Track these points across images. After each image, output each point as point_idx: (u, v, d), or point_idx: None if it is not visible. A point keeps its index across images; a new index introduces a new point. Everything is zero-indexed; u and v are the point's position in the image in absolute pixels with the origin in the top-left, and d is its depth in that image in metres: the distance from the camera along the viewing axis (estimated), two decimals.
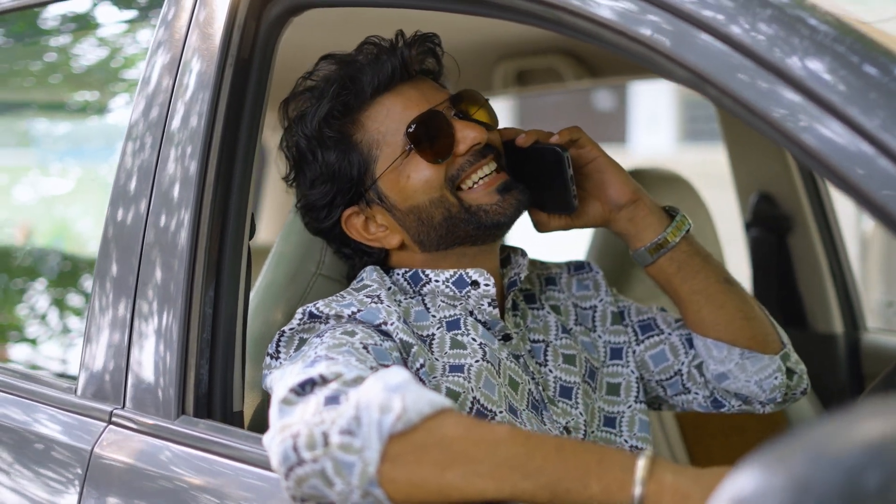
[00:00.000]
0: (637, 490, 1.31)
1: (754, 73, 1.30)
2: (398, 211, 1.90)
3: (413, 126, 1.84)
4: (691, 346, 2.02)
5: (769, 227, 3.29)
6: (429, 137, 1.85)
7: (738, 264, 3.46)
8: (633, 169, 2.79)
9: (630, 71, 3.37)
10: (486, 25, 2.70)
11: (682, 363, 2.02)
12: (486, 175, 1.87)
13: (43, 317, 3.42)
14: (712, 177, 3.49)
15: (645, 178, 2.76)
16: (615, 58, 2.95)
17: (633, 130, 17.74)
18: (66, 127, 4.14)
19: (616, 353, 2.05)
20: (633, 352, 2.05)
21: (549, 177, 1.88)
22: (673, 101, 16.05)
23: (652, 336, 2.06)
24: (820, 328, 3.27)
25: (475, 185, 1.87)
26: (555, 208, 1.94)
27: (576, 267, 2.14)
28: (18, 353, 3.35)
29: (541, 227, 1.98)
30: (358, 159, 1.89)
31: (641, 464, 1.32)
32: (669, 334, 2.05)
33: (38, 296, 3.54)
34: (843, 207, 3.42)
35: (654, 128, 17.11)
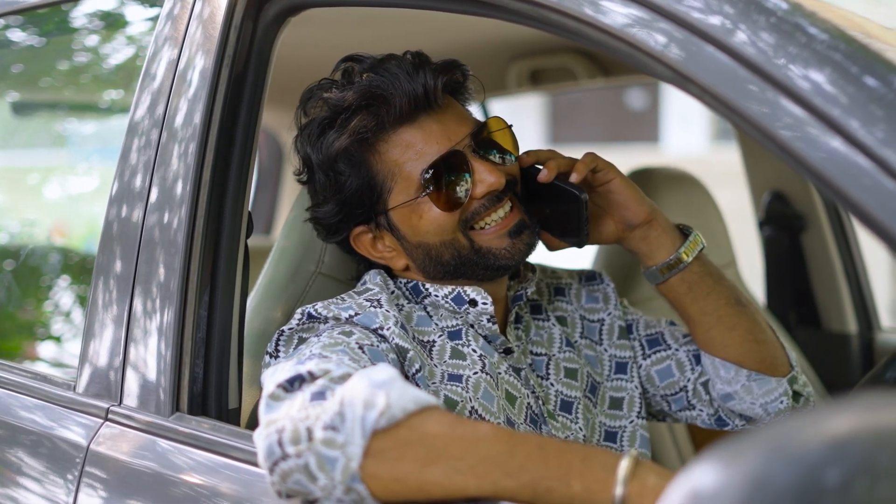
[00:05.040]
0: (619, 490, 1.30)
1: (757, 84, 1.29)
2: (407, 242, 1.89)
3: (430, 171, 1.81)
4: (698, 362, 2.02)
5: (782, 225, 3.27)
6: (445, 183, 1.82)
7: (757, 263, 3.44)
8: (642, 168, 2.78)
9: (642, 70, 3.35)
10: (499, 25, 2.69)
11: (688, 380, 2.02)
12: (500, 217, 1.86)
13: (67, 314, 3.45)
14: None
15: (654, 178, 2.75)
16: None
17: (665, 129, 17.64)
18: (95, 126, 4.17)
19: (621, 368, 2.04)
20: (639, 366, 2.05)
21: (565, 214, 1.88)
22: None
23: (659, 351, 2.05)
24: (834, 327, 3.25)
25: (487, 227, 1.85)
26: (565, 238, 1.93)
27: (587, 277, 2.14)
28: (45, 350, 3.38)
29: (551, 247, 1.97)
30: (371, 186, 1.86)
31: (624, 464, 1.31)
32: (676, 350, 2.04)
33: (61, 293, 3.57)
34: None
35: (686, 127, 17.00)
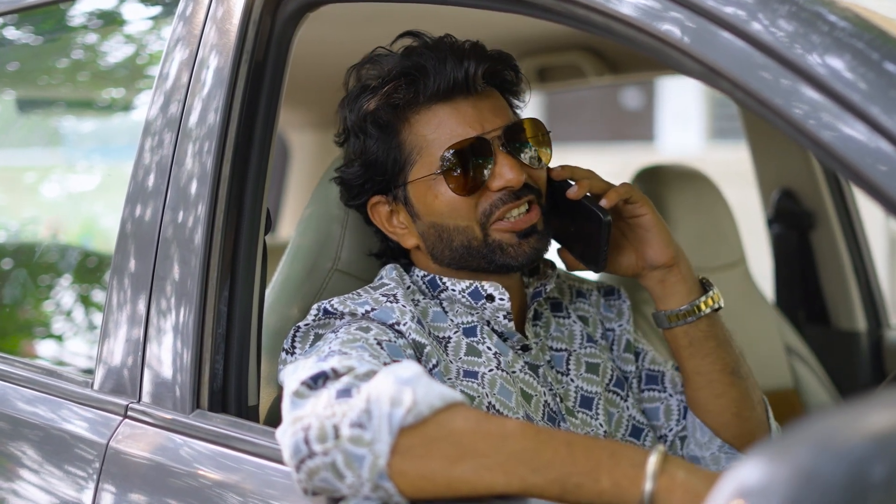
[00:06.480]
0: (648, 485, 1.30)
1: (775, 71, 1.29)
2: (420, 220, 1.89)
3: (451, 151, 1.82)
4: (685, 416, 1.99)
5: (791, 223, 3.27)
6: (463, 168, 1.81)
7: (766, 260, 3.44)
8: (655, 165, 2.78)
9: (652, 67, 3.35)
10: (507, 21, 2.69)
11: (670, 430, 1.99)
12: (517, 215, 1.85)
13: (68, 313, 3.44)
14: (742, 175, 3.46)
15: (666, 175, 2.75)
16: (637, 54, 2.95)
17: (660, 128, 17.64)
18: (94, 124, 4.15)
19: (619, 383, 2.01)
20: (632, 391, 2.02)
21: (587, 234, 1.86)
22: (702, 98, 15.93)
23: (653, 390, 2.02)
24: (843, 325, 3.25)
25: (503, 221, 1.84)
26: (583, 259, 1.92)
27: (606, 291, 2.12)
28: (45, 348, 3.37)
29: (569, 267, 1.97)
30: (396, 155, 1.87)
31: (653, 459, 1.31)
32: (670, 396, 2.01)
33: (64, 292, 3.56)
34: (871, 206, 3.38)
35: (682, 125, 16.98)
